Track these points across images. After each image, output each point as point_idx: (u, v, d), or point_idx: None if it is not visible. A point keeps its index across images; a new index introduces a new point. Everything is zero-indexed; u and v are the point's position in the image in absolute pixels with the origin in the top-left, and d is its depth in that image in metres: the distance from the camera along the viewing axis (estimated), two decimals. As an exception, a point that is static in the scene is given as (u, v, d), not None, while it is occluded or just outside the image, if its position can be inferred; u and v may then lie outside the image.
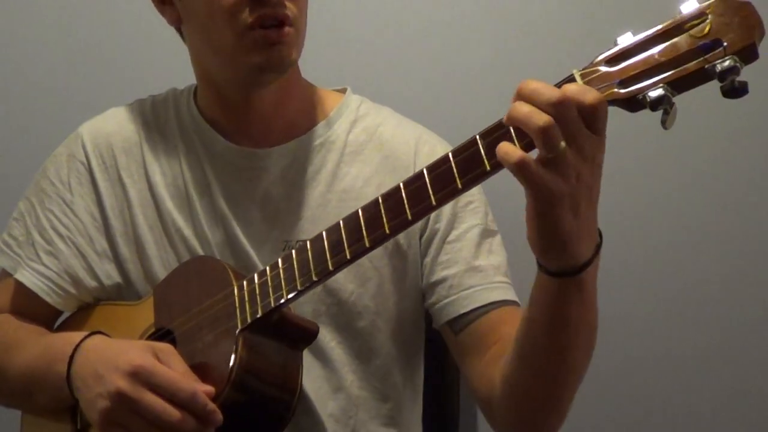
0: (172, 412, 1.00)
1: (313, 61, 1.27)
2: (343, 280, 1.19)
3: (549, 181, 0.81)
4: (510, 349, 1.04)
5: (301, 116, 1.25)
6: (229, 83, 1.20)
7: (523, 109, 0.80)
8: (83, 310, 1.27)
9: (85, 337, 1.12)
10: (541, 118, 0.79)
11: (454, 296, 1.19)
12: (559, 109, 0.79)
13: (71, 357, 1.10)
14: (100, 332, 1.15)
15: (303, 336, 1.12)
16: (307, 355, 1.15)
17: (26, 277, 1.25)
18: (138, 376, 1.01)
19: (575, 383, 1.03)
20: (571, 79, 0.84)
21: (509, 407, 1.08)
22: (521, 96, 0.81)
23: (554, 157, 0.80)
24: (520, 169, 0.81)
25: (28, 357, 1.18)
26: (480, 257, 1.20)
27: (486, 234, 1.22)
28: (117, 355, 1.04)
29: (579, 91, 0.80)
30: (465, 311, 1.17)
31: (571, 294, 0.91)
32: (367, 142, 1.25)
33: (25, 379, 1.18)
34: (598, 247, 0.90)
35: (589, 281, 0.91)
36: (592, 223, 0.87)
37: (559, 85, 0.83)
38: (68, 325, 1.28)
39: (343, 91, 1.31)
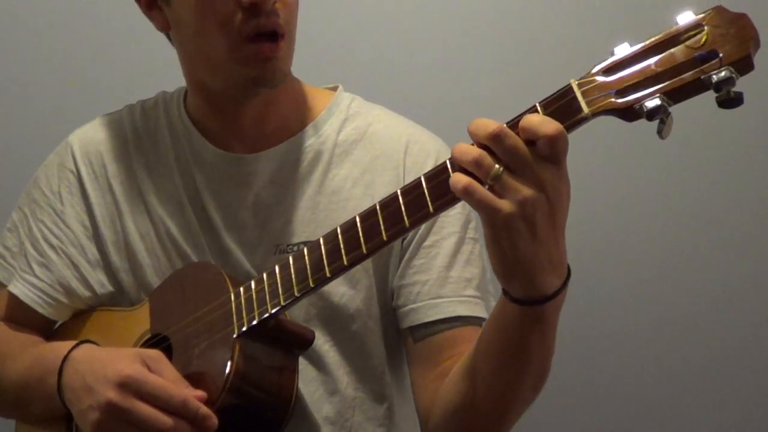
0: (165, 420, 1.00)
1: (306, 59, 1.26)
2: (335, 283, 1.17)
3: (496, 203, 0.84)
4: (459, 365, 1.06)
5: (292, 118, 1.24)
6: (220, 90, 1.19)
7: (460, 147, 0.86)
8: (79, 316, 1.27)
9: (73, 348, 1.12)
10: (471, 154, 0.85)
11: (421, 303, 1.17)
12: (495, 140, 0.84)
13: (60, 369, 1.10)
14: (88, 341, 1.15)
15: (299, 342, 1.13)
16: (301, 359, 1.15)
17: (19, 289, 1.24)
18: (128, 386, 1.01)
19: (517, 412, 1.04)
20: (533, 109, 0.86)
21: (446, 423, 1.08)
22: (469, 133, 0.86)
23: (495, 183, 0.84)
24: (466, 194, 0.85)
25: (19, 368, 1.18)
26: (454, 267, 1.19)
27: (464, 243, 1.20)
28: (106, 366, 1.04)
29: (538, 122, 0.83)
30: (429, 320, 1.16)
31: (529, 324, 0.93)
32: (357, 142, 1.24)
33: (17, 390, 1.18)
34: (565, 283, 0.91)
35: (550, 315, 0.92)
36: (556, 254, 0.88)
37: (521, 116, 0.85)
38: (65, 331, 1.28)
39: (335, 88, 1.30)
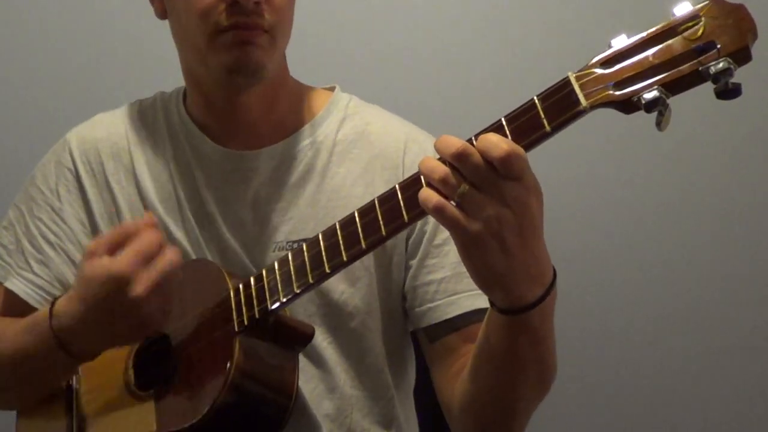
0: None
1: (303, 60, 1.27)
2: (334, 280, 1.18)
3: (463, 222, 0.85)
4: (466, 367, 1.07)
5: (290, 116, 1.25)
6: (211, 84, 1.19)
7: (428, 163, 0.87)
8: None
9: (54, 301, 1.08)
10: (438, 172, 0.86)
11: (440, 301, 1.18)
12: (458, 160, 0.85)
13: (51, 310, 1.06)
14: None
15: (299, 338, 1.13)
16: (300, 356, 1.15)
17: (17, 285, 1.24)
18: (113, 277, 0.98)
19: (525, 410, 1.06)
20: (498, 126, 0.87)
21: (464, 422, 1.11)
22: (435, 149, 0.87)
23: (462, 202, 0.85)
24: (437, 212, 0.86)
25: (9, 341, 1.13)
26: None
27: None
28: (87, 282, 1.01)
29: (491, 145, 0.83)
30: (448, 317, 1.17)
31: (517, 332, 0.94)
32: (356, 141, 1.24)
33: (13, 361, 1.13)
34: (549, 289, 0.91)
35: (537, 321, 0.93)
36: (533, 264, 0.89)
37: (479, 135, 0.86)
38: None
39: (332, 89, 1.30)
